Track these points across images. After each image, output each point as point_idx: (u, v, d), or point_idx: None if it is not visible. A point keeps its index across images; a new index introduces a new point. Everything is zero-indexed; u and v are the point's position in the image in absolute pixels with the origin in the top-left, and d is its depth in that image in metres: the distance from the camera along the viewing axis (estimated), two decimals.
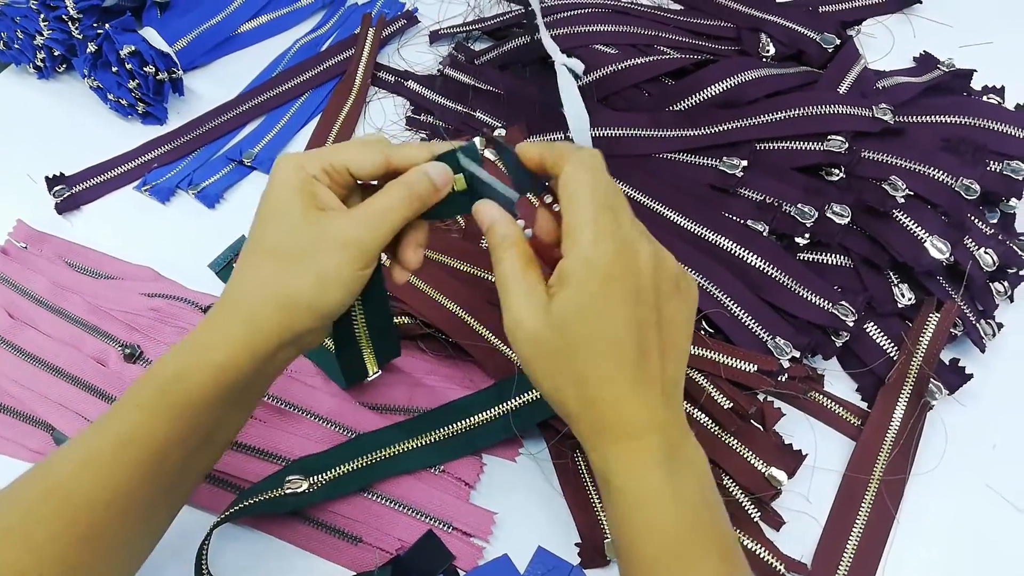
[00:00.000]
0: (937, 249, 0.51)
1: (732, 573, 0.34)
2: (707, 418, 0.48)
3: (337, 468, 0.47)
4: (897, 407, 0.49)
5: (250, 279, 0.37)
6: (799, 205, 0.53)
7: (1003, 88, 0.63)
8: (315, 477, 0.46)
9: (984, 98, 0.63)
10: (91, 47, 0.65)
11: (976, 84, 0.64)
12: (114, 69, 0.65)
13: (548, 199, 0.38)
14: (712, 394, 0.48)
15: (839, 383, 0.52)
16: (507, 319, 0.35)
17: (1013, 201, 0.56)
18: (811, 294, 0.51)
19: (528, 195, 0.39)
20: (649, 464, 0.34)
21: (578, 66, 0.57)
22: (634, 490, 0.34)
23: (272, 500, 0.45)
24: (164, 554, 0.40)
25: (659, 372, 0.34)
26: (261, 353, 0.36)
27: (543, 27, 0.60)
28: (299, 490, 0.45)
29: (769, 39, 0.64)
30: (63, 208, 0.62)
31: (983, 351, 0.51)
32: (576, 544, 0.46)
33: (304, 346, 0.39)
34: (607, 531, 0.46)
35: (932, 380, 0.49)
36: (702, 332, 0.52)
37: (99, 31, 0.65)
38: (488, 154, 0.60)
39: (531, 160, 0.37)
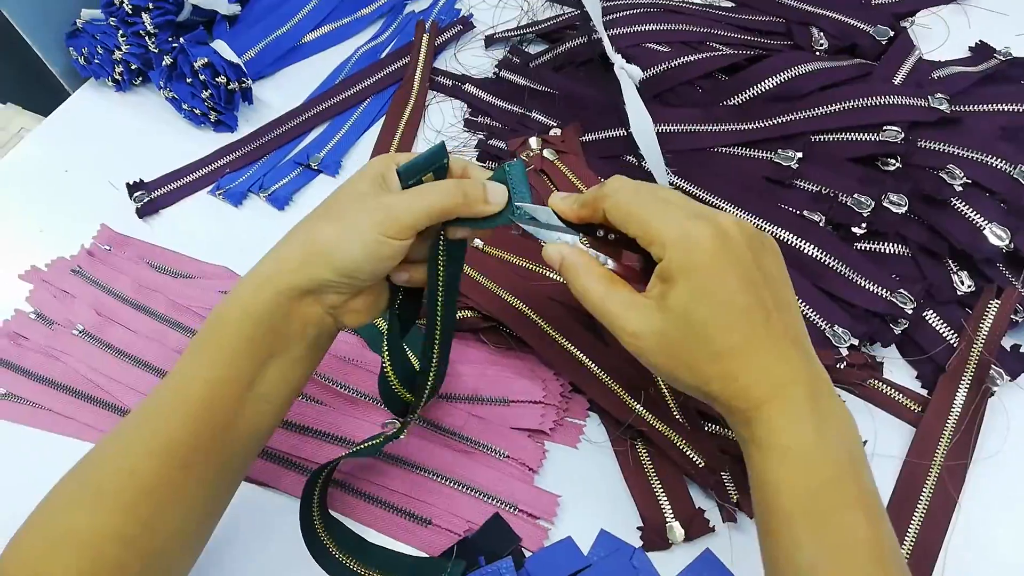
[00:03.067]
0: (996, 236, 0.51)
1: (876, 535, 0.34)
2: None
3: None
4: (958, 394, 0.50)
5: (293, 231, 0.40)
6: (855, 195, 0.53)
7: None
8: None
9: None
10: (167, 60, 0.69)
11: None
12: (188, 80, 0.69)
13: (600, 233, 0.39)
14: None
15: (899, 371, 0.52)
16: (627, 337, 0.36)
17: None
18: (869, 283, 0.52)
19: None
20: (798, 415, 0.34)
21: (636, 72, 0.59)
22: (782, 443, 0.34)
23: (372, 446, 0.47)
24: (241, 530, 0.42)
25: (783, 326, 0.35)
26: (281, 293, 0.38)
27: (603, 31, 0.61)
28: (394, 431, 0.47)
29: (821, 33, 0.65)
30: (143, 212, 0.66)
31: None
32: (638, 528, 0.48)
33: (327, 304, 0.40)
34: (669, 515, 0.47)
35: (993, 366, 0.49)
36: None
37: (174, 45, 0.69)
38: (547, 154, 0.62)
39: (571, 216, 0.39)
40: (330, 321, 0.41)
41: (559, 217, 0.40)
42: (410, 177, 0.40)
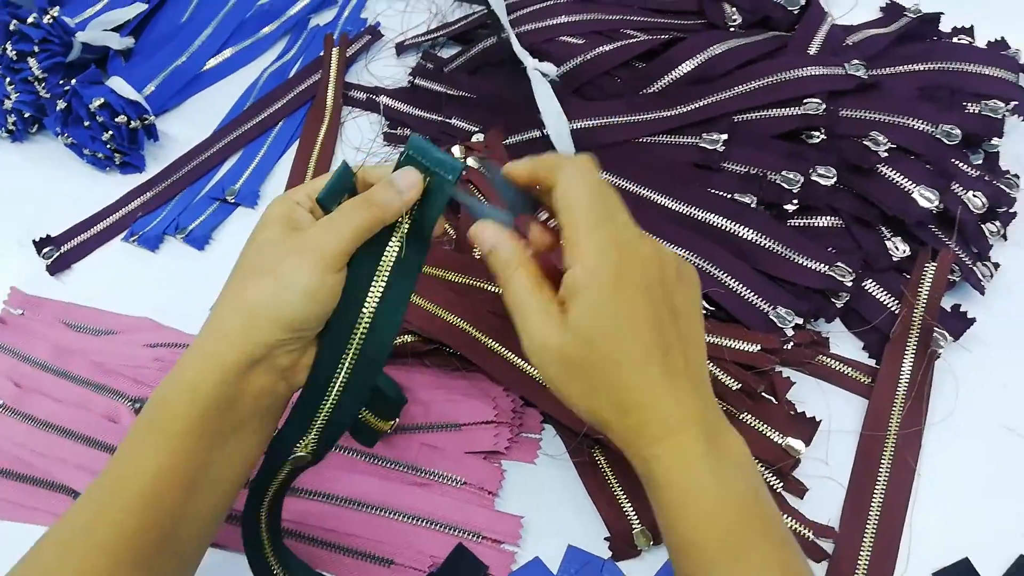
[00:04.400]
0: (925, 199, 0.51)
1: (785, 558, 0.34)
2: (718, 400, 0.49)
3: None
4: (905, 360, 0.50)
5: (222, 298, 0.37)
6: (784, 172, 0.53)
7: (972, 27, 0.63)
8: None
9: (954, 39, 0.63)
10: (60, 104, 0.65)
11: (945, 26, 0.64)
12: (86, 123, 0.65)
13: (543, 216, 0.38)
14: (720, 377, 0.49)
15: (845, 344, 0.52)
16: (528, 343, 0.35)
17: (996, 140, 0.56)
18: (806, 259, 0.51)
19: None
20: (692, 457, 0.34)
21: (550, 69, 0.57)
22: (680, 485, 0.34)
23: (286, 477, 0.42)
24: None
25: (684, 364, 0.35)
26: (230, 367, 0.35)
27: (511, 31, 0.60)
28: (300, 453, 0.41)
29: (734, 8, 0.64)
30: (55, 269, 0.62)
31: (983, 293, 0.52)
32: (605, 539, 0.47)
33: (283, 369, 0.37)
34: (635, 521, 0.46)
35: (936, 329, 0.49)
36: (704, 312, 0.52)
37: (66, 88, 0.65)
38: (471, 162, 0.60)
39: (521, 179, 0.37)
40: (283, 387, 0.38)
41: (508, 184, 0.37)
42: (333, 202, 0.37)
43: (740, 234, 0.53)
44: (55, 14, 0.66)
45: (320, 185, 0.38)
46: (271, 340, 0.35)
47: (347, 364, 0.38)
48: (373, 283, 0.37)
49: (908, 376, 0.49)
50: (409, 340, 0.53)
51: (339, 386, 0.38)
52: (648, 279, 0.34)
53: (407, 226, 0.38)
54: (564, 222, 0.35)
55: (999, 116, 0.54)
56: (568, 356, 0.34)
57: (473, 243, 0.37)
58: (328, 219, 0.36)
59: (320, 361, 0.38)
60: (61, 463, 0.52)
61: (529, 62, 0.57)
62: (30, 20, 0.65)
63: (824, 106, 0.54)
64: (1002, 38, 0.62)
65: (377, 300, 0.37)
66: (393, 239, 0.37)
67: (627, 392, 0.34)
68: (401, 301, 0.38)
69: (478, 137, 0.61)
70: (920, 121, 0.53)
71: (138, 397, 0.53)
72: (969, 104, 0.55)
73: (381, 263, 0.37)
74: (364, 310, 0.37)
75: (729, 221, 0.53)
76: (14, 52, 0.65)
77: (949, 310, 0.51)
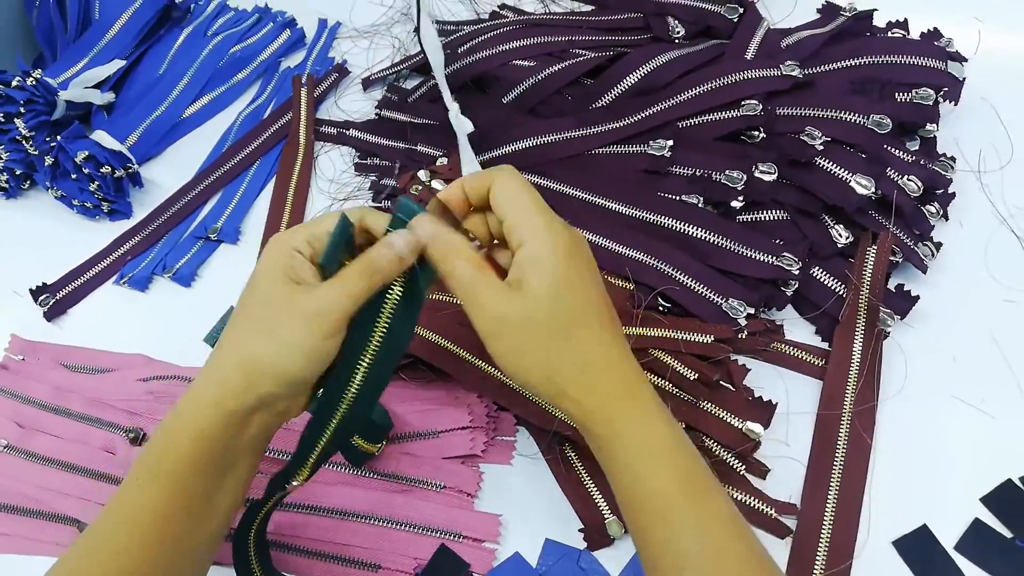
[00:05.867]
0: (861, 186, 0.53)
1: (734, 510, 0.37)
2: (678, 390, 0.51)
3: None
4: (855, 340, 0.52)
5: (224, 347, 0.40)
6: (727, 172, 0.56)
7: (906, 21, 0.66)
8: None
9: (890, 33, 0.65)
10: (48, 160, 0.69)
11: (881, 22, 0.67)
12: (73, 176, 0.68)
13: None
14: (677, 368, 0.51)
15: (798, 329, 0.55)
16: (482, 319, 0.37)
17: (931, 126, 0.58)
18: (754, 252, 0.54)
19: None
20: (652, 409, 0.37)
21: (467, 127, 0.61)
22: (646, 436, 0.36)
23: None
24: None
25: (619, 329, 0.38)
26: (233, 414, 0.37)
27: (443, 80, 0.64)
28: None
29: (676, 21, 0.68)
30: (51, 315, 0.65)
31: (924, 272, 0.54)
32: (580, 530, 0.49)
33: (280, 412, 0.40)
34: (606, 512, 0.49)
35: (882, 309, 0.52)
36: (659, 309, 0.54)
37: (52, 144, 0.69)
38: (436, 184, 0.63)
39: (457, 198, 0.39)
40: (277, 423, 0.41)
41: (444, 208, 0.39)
42: (332, 265, 0.39)
43: (690, 233, 0.55)
44: (38, 76, 0.69)
45: (314, 225, 0.39)
46: (271, 392, 0.37)
47: (343, 408, 0.40)
48: (371, 336, 0.39)
49: (859, 355, 0.52)
50: None
51: (335, 424, 0.41)
52: (587, 253, 0.38)
53: (400, 287, 0.39)
54: (508, 211, 0.37)
55: (929, 103, 0.57)
56: (535, 321, 0.36)
57: (415, 234, 0.38)
58: (331, 285, 0.37)
59: (319, 408, 0.40)
60: (64, 496, 0.55)
61: (453, 111, 0.61)
62: (15, 83, 0.69)
63: (761, 107, 0.57)
64: (935, 28, 0.65)
65: (374, 353, 0.39)
66: (390, 293, 0.39)
67: (588, 351, 0.37)
68: (396, 352, 0.40)
69: (442, 161, 0.64)
70: (852, 113, 0.56)
71: (132, 427, 0.56)
72: (900, 94, 0.58)
73: (378, 319, 0.39)
74: (360, 364, 0.39)
75: (679, 222, 0.56)
76: (1, 114, 0.69)
77: (894, 290, 0.53)
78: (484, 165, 0.64)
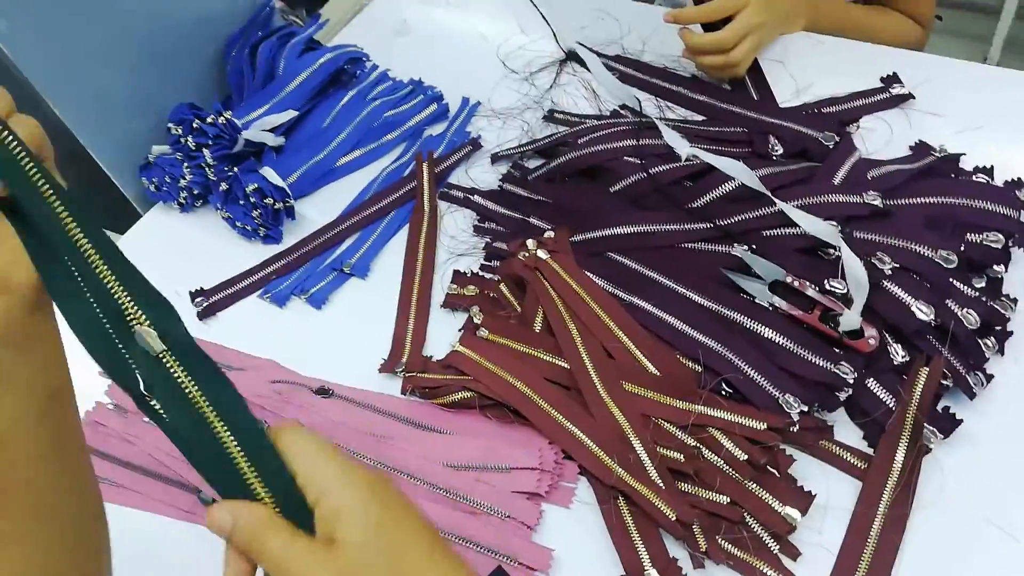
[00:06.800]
0: (922, 312, 0.59)
1: None
2: (728, 467, 0.57)
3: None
4: (898, 451, 0.57)
5: None
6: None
7: (992, 168, 0.72)
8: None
9: (974, 177, 0.71)
10: (223, 186, 0.82)
11: (969, 165, 0.73)
12: (241, 203, 0.81)
13: None
14: (729, 448, 0.57)
15: (847, 432, 0.60)
16: None
17: (998, 268, 0.63)
18: (815, 357, 0.60)
19: None
20: None
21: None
22: None
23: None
24: None
25: (442, 541, 0.37)
26: None
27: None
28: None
29: (777, 140, 0.75)
30: (203, 316, 0.78)
31: (971, 398, 0.59)
32: (621, 575, 0.55)
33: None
34: (647, 563, 0.55)
35: (927, 426, 0.57)
36: (722, 393, 0.61)
37: (229, 174, 0.82)
38: (541, 253, 0.71)
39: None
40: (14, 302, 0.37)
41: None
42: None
43: (760, 332, 0.62)
44: (228, 116, 0.83)
45: None
46: None
47: None
48: None
49: (900, 464, 0.56)
50: (468, 396, 0.64)
51: None
52: (390, 487, 0.37)
53: None
54: (300, 464, 0.35)
55: (997, 246, 0.62)
56: (359, 569, 0.34)
57: (212, 528, 0.35)
58: None
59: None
60: (191, 467, 0.65)
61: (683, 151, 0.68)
62: (209, 120, 0.83)
63: (840, 227, 0.63)
64: (1019, 179, 0.70)
65: None
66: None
67: None
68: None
69: (549, 234, 0.74)
70: (923, 246, 0.61)
71: (259, 419, 0.66)
72: (972, 234, 0.63)
73: None
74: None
75: (751, 320, 0.63)
76: (193, 143, 0.83)
77: (941, 411, 0.58)
78: (586, 245, 0.73)
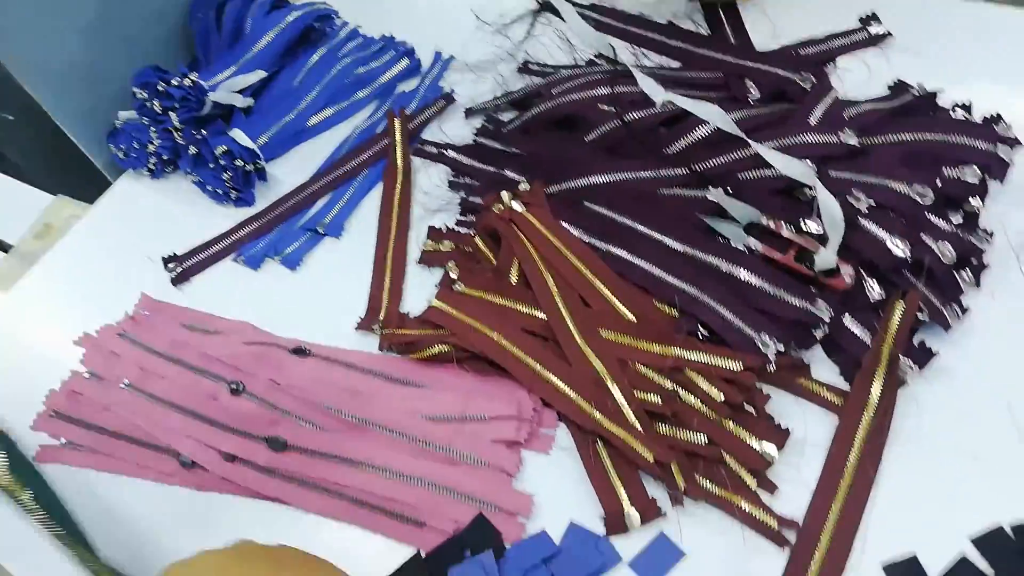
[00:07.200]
0: (897, 247, 0.59)
1: None
2: (706, 407, 0.57)
3: None
4: (874, 385, 0.57)
5: None
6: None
7: (971, 105, 0.71)
8: None
9: (952, 114, 0.70)
10: (192, 150, 0.81)
11: (948, 103, 0.72)
12: (211, 166, 0.80)
13: None
14: (706, 389, 0.57)
15: (824, 369, 0.60)
16: None
17: (974, 202, 0.63)
18: (792, 297, 0.60)
19: None
20: None
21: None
22: None
23: None
24: None
25: None
26: None
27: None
28: None
29: (753, 84, 0.74)
30: (177, 281, 0.77)
31: (947, 329, 0.58)
32: (601, 517, 0.55)
33: None
34: (626, 504, 0.55)
35: (902, 358, 0.56)
36: (699, 335, 0.61)
37: (198, 137, 0.81)
38: (516, 206, 0.71)
39: None
40: None
41: None
42: None
43: (736, 274, 0.62)
44: (194, 78, 0.82)
45: None
46: None
47: None
48: None
49: (876, 398, 0.56)
50: (446, 350, 0.63)
51: None
52: None
53: None
54: None
55: (974, 181, 0.62)
56: None
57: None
58: None
59: None
60: (171, 431, 0.65)
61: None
62: (174, 82, 0.81)
63: (815, 168, 0.63)
64: (998, 114, 0.70)
65: None
66: None
67: None
68: None
69: (524, 186, 0.73)
70: (898, 182, 0.61)
71: (234, 380, 0.66)
72: (947, 169, 0.63)
73: None
74: None
75: (727, 263, 0.62)
76: (159, 107, 0.81)
77: (917, 345, 0.58)
78: (562, 195, 0.72)
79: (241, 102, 0.85)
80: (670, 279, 0.63)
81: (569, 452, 0.59)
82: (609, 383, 0.59)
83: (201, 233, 0.80)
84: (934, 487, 0.54)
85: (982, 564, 0.50)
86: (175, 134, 0.82)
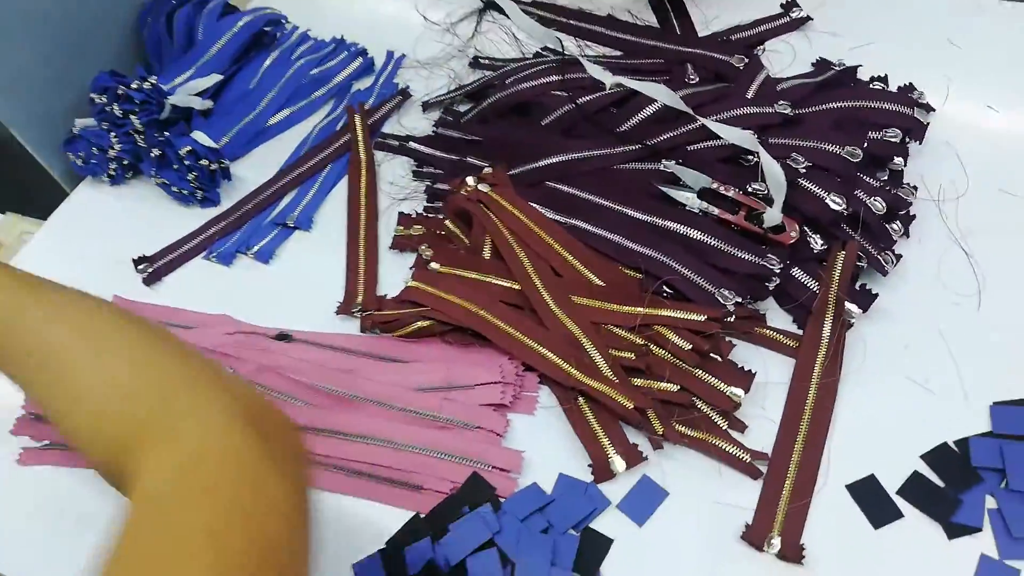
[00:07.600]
0: (835, 203, 0.65)
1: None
2: (676, 358, 0.62)
3: None
4: (824, 328, 0.63)
5: None
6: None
7: (886, 76, 0.78)
8: None
9: (871, 85, 0.78)
10: (155, 152, 0.82)
11: (866, 76, 0.79)
12: (175, 167, 0.81)
13: None
14: (675, 341, 0.62)
15: (778, 318, 0.66)
16: None
17: (898, 160, 0.70)
18: (744, 253, 0.65)
19: None
20: None
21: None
22: None
23: None
24: None
25: None
26: None
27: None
28: None
29: (692, 68, 0.80)
30: (149, 281, 0.77)
31: (884, 275, 0.65)
32: (588, 466, 0.59)
33: None
34: (611, 452, 0.59)
35: (847, 302, 0.62)
36: (664, 295, 0.66)
37: (160, 139, 0.82)
38: (482, 188, 0.74)
39: None
40: None
41: None
42: None
43: (692, 236, 0.67)
44: (153, 81, 0.83)
45: None
46: None
47: None
48: None
49: (827, 340, 0.62)
50: (427, 324, 0.67)
51: None
52: None
53: None
54: None
55: (896, 141, 0.69)
56: None
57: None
58: None
59: None
60: None
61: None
62: (133, 86, 0.82)
63: (756, 136, 0.69)
64: (910, 83, 0.77)
65: None
66: None
67: None
68: None
69: (487, 170, 0.77)
70: (831, 144, 0.67)
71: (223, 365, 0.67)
72: (873, 132, 0.69)
73: None
74: None
75: (683, 226, 0.67)
76: (120, 111, 0.82)
77: (859, 289, 0.64)
78: (524, 176, 0.76)
79: (200, 104, 0.87)
80: (633, 246, 0.68)
81: (552, 411, 0.63)
82: (584, 343, 0.63)
83: (168, 235, 0.81)
84: (885, 414, 0.60)
85: (932, 476, 0.56)
86: (137, 137, 0.83)
